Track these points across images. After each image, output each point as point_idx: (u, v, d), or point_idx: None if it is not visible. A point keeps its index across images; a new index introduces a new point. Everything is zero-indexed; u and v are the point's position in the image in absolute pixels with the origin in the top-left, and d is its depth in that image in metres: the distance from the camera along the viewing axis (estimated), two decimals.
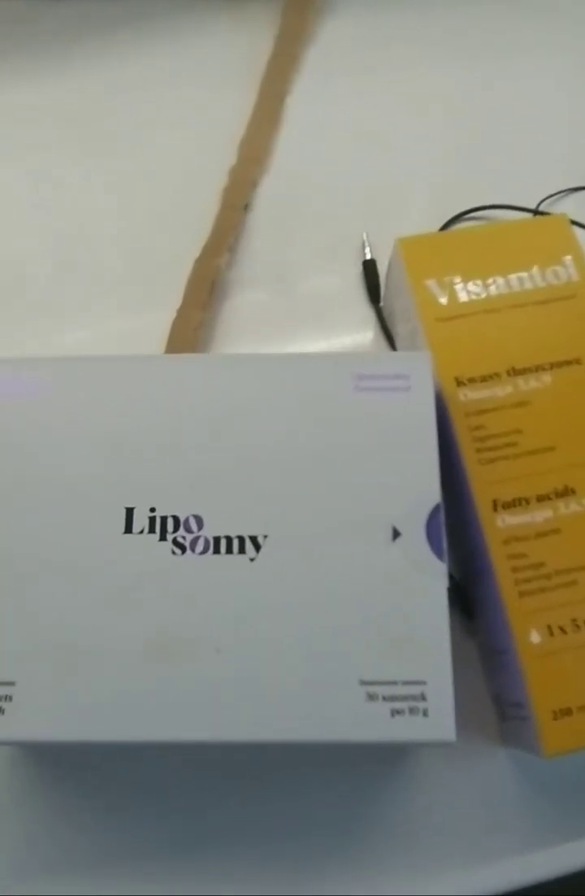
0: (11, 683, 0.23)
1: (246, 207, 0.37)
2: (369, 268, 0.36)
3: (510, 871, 0.29)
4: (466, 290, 0.31)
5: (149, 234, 0.39)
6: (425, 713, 0.23)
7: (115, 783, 0.29)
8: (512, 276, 0.31)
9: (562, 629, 0.26)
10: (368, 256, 0.37)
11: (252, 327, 0.36)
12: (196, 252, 0.37)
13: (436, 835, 0.29)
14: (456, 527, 0.29)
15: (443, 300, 0.30)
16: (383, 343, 0.36)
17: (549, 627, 0.26)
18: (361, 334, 0.36)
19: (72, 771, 0.30)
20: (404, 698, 0.24)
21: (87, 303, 0.38)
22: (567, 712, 0.26)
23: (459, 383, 0.29)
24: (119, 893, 0.28)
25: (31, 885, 0.28)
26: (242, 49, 0.43)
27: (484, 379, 0.29)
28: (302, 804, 0.29)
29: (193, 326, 0.33)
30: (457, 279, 0.31)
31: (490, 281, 0.31)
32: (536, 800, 0.29)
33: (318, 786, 0.29)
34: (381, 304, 0.36)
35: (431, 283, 0.31)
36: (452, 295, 0.30)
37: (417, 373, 0.27)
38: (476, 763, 0.30)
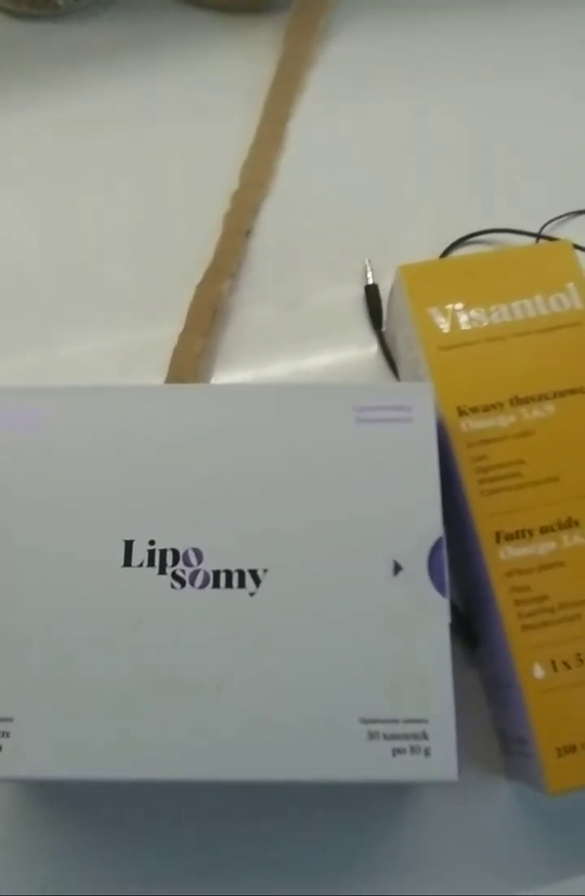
0: (9, 719, 0.23)
1: (248, 233, 0.37)
2: (371, 293, 0.36)
3: None
4: (469, 318, 0.30)
5: (150, 257, 0.39)
6: (427, 752, 0.23)
7: (116, 817, 0.29)
8: (515, 304, 0.31)
9: (566, 664, 0.26)
10: (370, 281, 0.37)
11: (253, 351, 0.36)
12: (197, 276, 0.37)
13: (438, 868, 0.29)
14: (459, 558, 0.29)
15: (445, 328, 0.30)
16: (386, 368, 0.36)
17: (553, 662, 0.26)
18: (363, 360, 0.36)
19: (71, 806, 0.29)
20: (405, 736, 0.23)
21: (88, 324, 0.37)
22: (572, 749, 0.25)
23: (461, 413, 0.29)
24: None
25: None
26: (245, 72, 0.43)
27: (486, 408, 0.29)
28: (302, 838, 0.29)
29: (195, 353, 0.33)
30: (460, 307, 0.30)
31: (492, 309, 0.30)
32: (540, 835, 0.29)
33: (318, 820, 0.29)
34: (383, 329, 0.36)
35: (433, 310, 0.30)
36: (454, 323, 0.30)
37: (419, 404, 0.26)
38: (479, 797, 0.29)
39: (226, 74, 0.43)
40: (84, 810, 0.29)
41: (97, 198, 0.41)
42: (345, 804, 0.29)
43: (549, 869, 0.29)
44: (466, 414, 0.29)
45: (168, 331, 0.36)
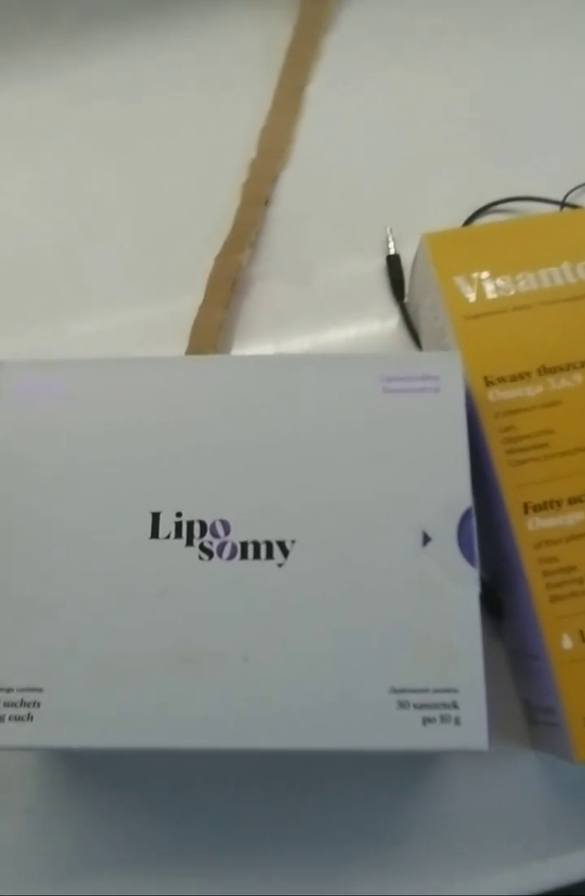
0: (39, 690, 0.23)
1: (266, 202, 0.36)
2: (393, 263, 0.36)
3: (538, 874, 0.28)
4: (495, 287, 0.30)
5: (167, 228, 0.38)
6: (457, 721, 0.23)
7: (142, 786, 0.29)
8: (542, 272, 0.30)
9: None
10: (392, 251, 0.36)
11: (272, 323, 0.36)
12: (215, 246, 0.36)
13: (465, 837, 0.29)
14: (486, 529, 0.29)
15: (472, 297, 0.30)
16: (407, 339, 0.35)
17: (581, 633, 0.26)
18: (385, 331, 0.36)
19: (98, 774, 0.30)
20: (435, 706, 0.23)
21: (105, 297, 0.37)
22: None
23: (488, 383, 0.29)
24: (138, 894, 0.28)
25: (56, 886, 0.28)
26: (261, 38, 0.42)
27: (513, 378, 0.29)
28: (332, 806, 0.29)
29: (215, 325, 0.32)
30: (486, 275, 0.30)
31: (519, 277, 0.30)
32: (565, 803, 0.29)
33: (347, 788, 0.29)
34: (406, 299, 0.36)
35: (459, 279, 0.30)
36: (480, 291, 0.30)
37: (447, 374, 0.26)
38: (504, 766, 0.29)
39: (242, 40, 0.42)
40: (110, 779, 0.30)
41: (112, 168, 0.40)
42: (372, 771, 0.29)
43: (575, 836, 0.29)
44: (493, 384, 0.29)
45: (187, 302, 0.35)
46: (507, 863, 0.28)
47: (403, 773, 0.29)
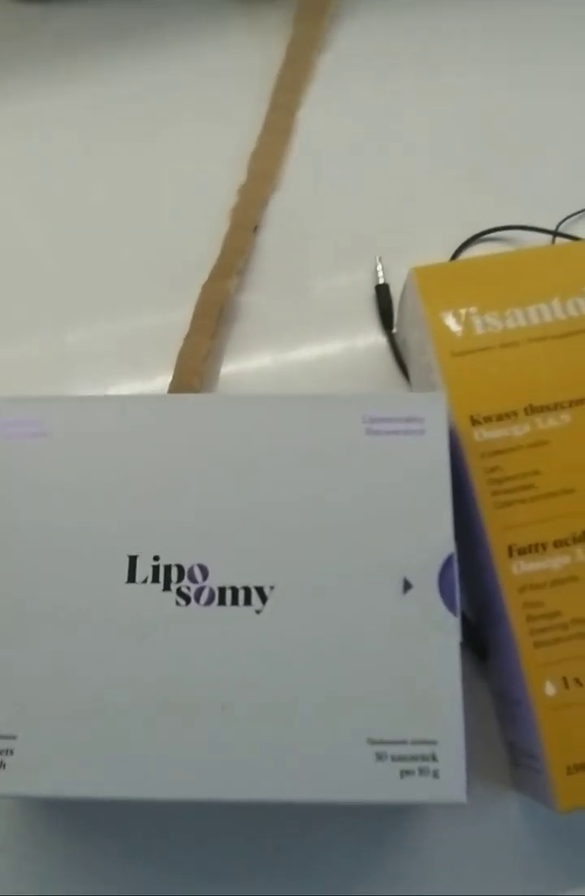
0: (13, 737, 0.23)
1: (255, 228, 0.36)
2: (382, 292, 0.35)
3: None
4: (483, 323, 0.29)
5: (155, 247, 0.38)
6: (435, 774, 0.23)
7: (116, 831, 0.29)
8: (531, 308, 0.30)
9: (578, 681, 0.26)
10: (381, 280, 0.36)
11: (260, 348, 0.36)
12: (203, 266, 0.36)
13: (445, 880, 0.28)
14: (472, 568, 0.28)
15: (459, 333, 0.29)
16: (396, 371, 0.35)
17: (564, 679, 0.26)
18: (373, 359, 0.35)
19: (71, 818, 0.29)
20: (414, 758, 0.23)
21: (94, 314, 0.37)
22: (582, 767, 0.25)
23: (474, 422, 0.28)
24: None
25: None
26: (253, 57, 0.42)
27: (500, 417, 0.28)
28: (305, 856, 0.29)
29: (201, 356, 0.32)
30: (474, 311, 0.29)
31: (507, 313, 0.30)
32: (547, 847, 0.29)
33: (324, 833, 0.29)
34: (394, 330, 0.35)
35: (447, 314, 0.29)
36: (468, 327, 0.29)
37: (432, 416, 0.26)
38: (486, 807, 0.29)
39: (233, 60, 0.42)
40: (84, 823, 0.29)
41: (101, 186, 0.40)
42: (349, 816, 0.29)
43: (556, 881, 0.28)
44: (479, 423, 0.28)
45: (174, 320, 0.35)
46: None
47: (379, 813, 0.29)
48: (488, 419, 0.28)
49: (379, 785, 0.23)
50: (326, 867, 0.29)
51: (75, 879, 0.28)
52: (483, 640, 0.30)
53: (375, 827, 0.29)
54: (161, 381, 0.34)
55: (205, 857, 0.29)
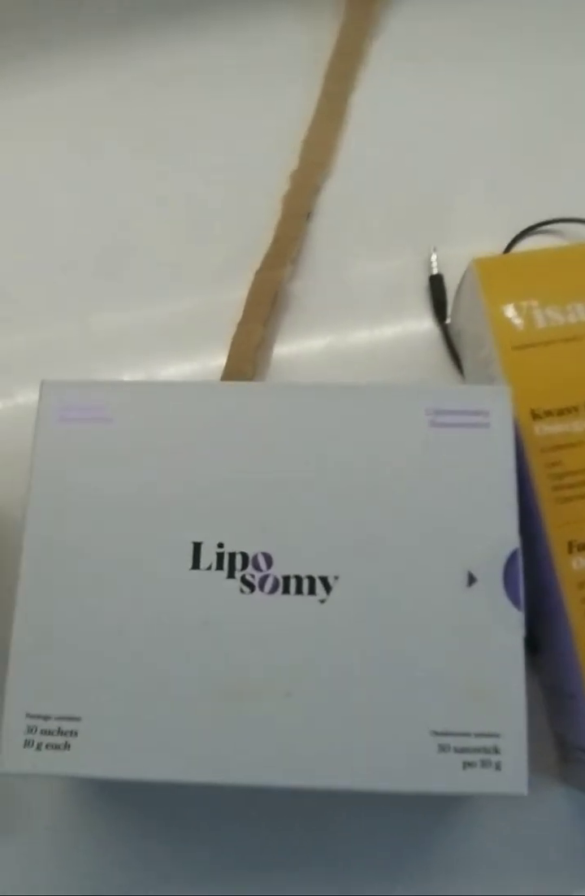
0: (77, 719, 0.23)
1: (308, 216, 0.36)
2: (435, 283, 0.35)
3: None
4: (544, 317, 0.29)
5: (206, 236, 0.38)
6: (498, 767, 0.23)
7: (169, 813, 0.29)
8: None
9: None
10: (435, 271, 0.35)
11: (310, 338, 0.35)
12: (255, 255, 0.36)
13: (491, 871, 0.29)
14: (528, 564, 0.28)
15: (520, 327, 0.29)
16: (448, 362, 0.34)
17: None
18: (427, 347, 0.35)
19: (129, 804, 0.30)
20: (476, 750, 0.23)
21: (141, 298, 0.37)
22: None
23: (535, 416, 0.28)
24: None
25: None
26: (305, 44, 0.41)
27: (561, 412, 0.28)
28: (359, 839, 0.29)
29: (254, 344, 0.32)
30: (535, 304, 0.29)
31: (569, 307, 0.29)
32: None
33: (374, 822, 0.29)
34: (448, 321, 0.35)
35: (508, 307, 0.29)
36: (530, 321, 0.29)
37: (497, 409, 0.25)
38: (534, 801, 0.29)
39: (285, 45, 0.41)
40: (136, 804, 0.30)
41: (150, 171, 0.39)
42: (401, 803, 0.29)
43: None
44: (540, 417, 0.28)
45: (225, 307, 0.35)
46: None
47: (430, 804, 0.29)
48: (549, 413, 0.28)
49: (442, 776, 0.23)
50: (373, 855, 0.29)
51: (120, 861, 0.29)
52: (534, 636, 0.30)
53: (426, 818, 0.29)
54: (212, 366, 0.34)
55: (253, 840, 0.29)
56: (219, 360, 0.34)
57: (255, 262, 0.35)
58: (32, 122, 0.41)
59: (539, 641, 0.30)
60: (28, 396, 0.34)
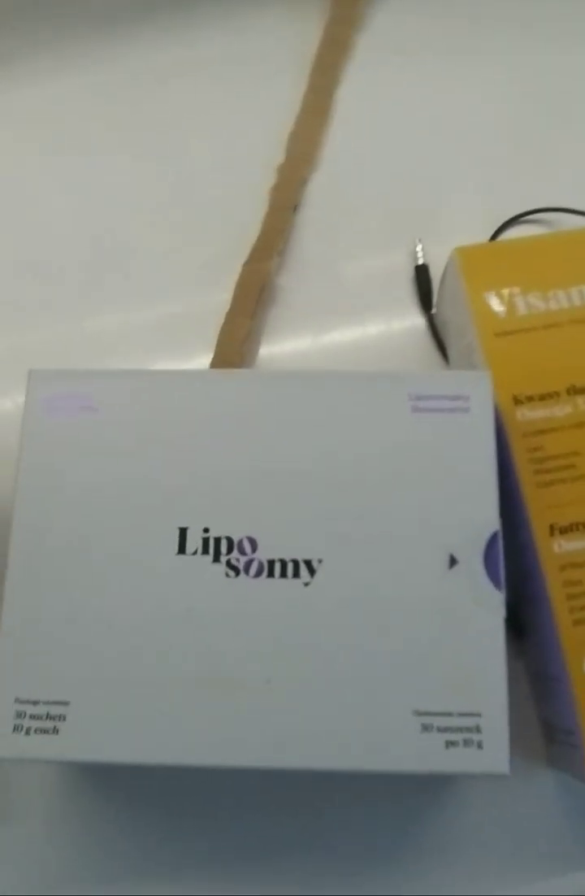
0: (65, 703, 0.24)
1: (295, 208, 0.36)
2: (421, 273, 0.35)
3: (552, 892, 0.29)
4: (526, 304, 0.29)
5: (193, 229, 0.38)
6: (480, 745, 0.23)
7: (162, 798, 0.30)
8: (574, 290, 0.30)
9: None
10: (420, 261, 0.36)
11: (298, 329, 0.36)
12: (241, 249, 0.36)
13: (478, 853, 0.29)
14: (510, 548, 0.29)
15: (502, 314, 0.29)
16: (434, 352, 0.35)
17: None
18: (412, 337, 0.35)
19: (118, 789, 0.30)
20: (458, 730, 0.23)
21: (128, 295, 0.37)
22: None
23: (517, 402, 0.28)
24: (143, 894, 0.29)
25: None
26: (291, 38, 0.41)
27: (542, 397, 0.28)
28: (347, 825, 0.29)
29: (241, 336, 0.32)
30: (516, 291, 0.30)
31: (550, 294, 0.30)
32: (581, 823, 0.29)
33: (362, 807, 0.29)
34: (433, 311, 0.35)
35: (489, 295, 0.30)
36: (511, 308, 0.29)
37: (477, 394, 0.26)
38: (521, 784, 0.30)
39: (270, 40, 0.42)
40: (129, 791, 0.30)
41: (137, 167, 0.40)
42: (387, 788, 0.30)
43: None
44: (522, 403, 0.28)
45: (213, 305, 0.35)
46: (520, 880, 0.29)
47: (417, 789, 0.29)
48: (530, 399, 0.28)
49: (425, 755, 0.23)
50: (359, 839, 0.29)
51: (117, 850, 0.29)
52: (519, 620, 0.30)
53: (412, 802, 0.29)
54: (201, 362, 0.34)
55: (243, 823, 0.29)
56: (211, 357, 0.35)
57: (244, 258, 0.36)
58: (20, 120, 0.41)
59: (525, 626, 0.30)
60: (18, 398, 0.34)
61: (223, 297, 0.36)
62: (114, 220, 0.39)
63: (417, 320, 0.36)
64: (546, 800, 0.29)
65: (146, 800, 0.30)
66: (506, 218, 0.37)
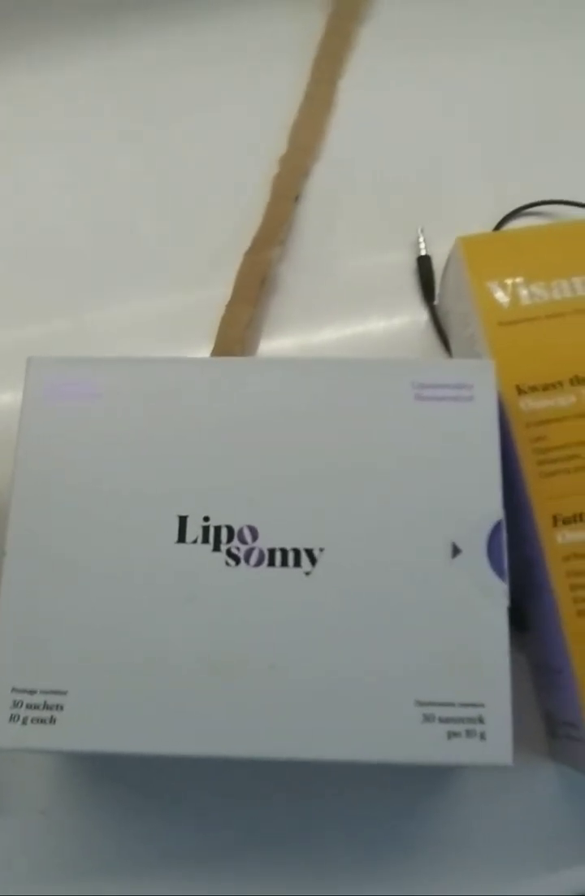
0: (63, 692, 0.23)
1: (297, 198, 0.36)
2: (423, 264, 0.35)
3: (553, 885, 0.28)
4: (529, 293, 0.29)
5: (196, 219, 0.38)
6: (482, 736, 0.23)
7: (160, 789, 0.29)
8: (577, 280, 0.29)
9: None
10: (423, 252, 0.36)
11: (301, 318, 0.36)
12: (244, 238, 0.36)
13: (480, 846, 0.29)
14: (513, 539, 0.28)
15: (505, 303, 0.29)
16: (437, 343, 0.35)
17: None
18: (414, 328, 0.35)
19: (116, 779, 0.30)
20: (461, 720, 0.23)
21: (130, 285, 0.37)
22: None
23: (520, 392, 0.28)
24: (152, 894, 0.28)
25: (67, 887, 0.28)
26: (294, 29, 0.41)
27: (546, 388, 0.28)
28: (342, 814, 0.29)
29: (243, 324, 0.32)
30: (520, 281, 0.29)
31: (553, 284, 0.29)
32: (582, 816, 0.29)
33: (363, 797, 0.29)
34: (436, 302, 0.35)
35: (493, 284, 0.29)
36: (515, 298, 0.29)
37: (481, 382, 0.26)
38: (523, 777, 0.29)
39: (274, 31, 0.41)
40: (127, 783, 0.30)
41: (139, 157, 0.40)
42: (389, 780, 0.29)
43: None
44: (525, 393, 0.28)
45: (215, 295, 0.35)
46: (522, 873, 0.28)
47: (418, 781, 0.29)
48: (534, 389, 0.28)
49: (427, 746, 0.23)
50: (361, 831, 0.29)
51: (114, 843, 0.29)
52: (522, 612, 0.30)
53: (413, 793, 0.29)
54: (202, 352, 0.34)
55: (243, 815, 0.29)
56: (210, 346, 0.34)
57: (246, 248, 0.36)
58: (19, 111, 0.41)
59: (528, 619, 0.30)
60: (18, 390, 0.34)
61: (224, 287, 0.35)
62: (116, 211, 0.38)
63: (419, 311, 0.36)
64: (547, 793, 0.29)
65: (144, 791, 0.29)
66: (509, 210, 0.36)
